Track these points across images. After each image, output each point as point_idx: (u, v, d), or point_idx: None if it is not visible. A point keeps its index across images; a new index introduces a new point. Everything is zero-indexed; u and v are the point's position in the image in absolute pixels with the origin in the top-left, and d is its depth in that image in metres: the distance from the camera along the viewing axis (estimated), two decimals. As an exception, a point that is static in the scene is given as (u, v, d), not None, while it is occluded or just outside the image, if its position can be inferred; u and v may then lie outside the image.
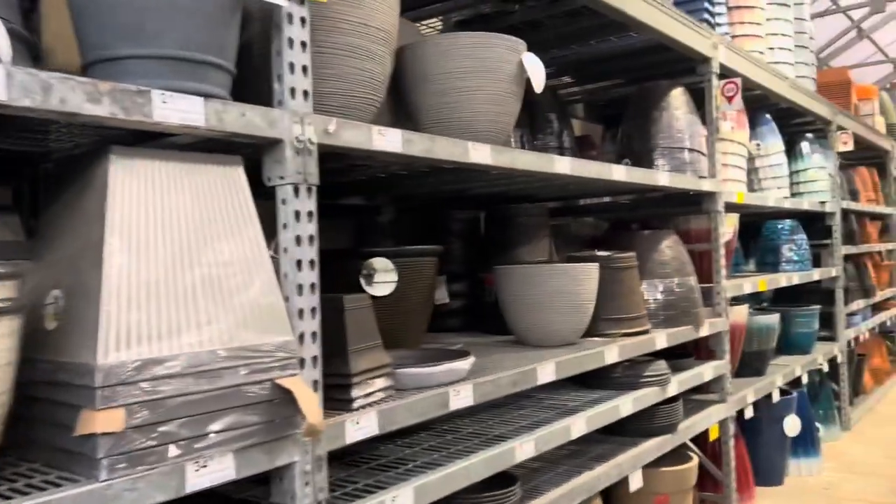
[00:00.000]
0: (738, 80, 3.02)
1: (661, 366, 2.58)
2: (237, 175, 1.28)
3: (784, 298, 4.89)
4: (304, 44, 1.32)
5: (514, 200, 2.97)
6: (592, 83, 3.74)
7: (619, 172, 2.35)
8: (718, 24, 3.34)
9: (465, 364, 1.69)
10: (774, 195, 3.76)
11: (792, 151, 4.45)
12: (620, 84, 3.68)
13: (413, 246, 2.11)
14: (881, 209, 6.09)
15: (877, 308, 6.07)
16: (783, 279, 3.77)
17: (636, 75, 3.45)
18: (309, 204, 1.31)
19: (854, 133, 5.24)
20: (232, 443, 1.17)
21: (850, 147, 4.78)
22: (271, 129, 1.26)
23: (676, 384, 2.63)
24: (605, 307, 2.49)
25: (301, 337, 1.30)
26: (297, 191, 1.30)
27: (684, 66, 3.12)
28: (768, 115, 3.89)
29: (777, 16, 3.98)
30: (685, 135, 2.90)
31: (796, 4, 4.49)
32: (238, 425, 1.18)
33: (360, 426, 1.40)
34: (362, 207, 3.00)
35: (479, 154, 1.73)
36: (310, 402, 1.21)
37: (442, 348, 1.97)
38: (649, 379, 2.51)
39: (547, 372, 1.94)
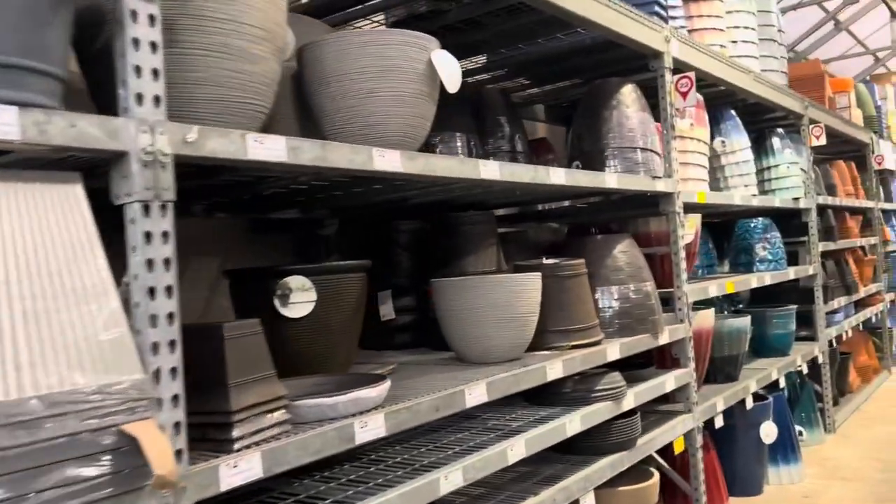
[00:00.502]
0: (692, 75, 2.89)
1: (616, 378, 2.43)
2: (75, 194, 1.13)
3: (761, 299, 4.76)
4: (153, 44, 1.18)
5: (464, 208, 2.83)
6: (550, 84, 3.61)
7: (558, 176, 2.21)
8: (672, 18, 3.21)
9: (372, 392, 1.54)
10: (741, 193, 3.63)
11: (762, 148, 4.32)
12: (579, 84, 3.54)
13: (337, 262, 1.96)
14: (861, 203, 5.96)
15: (860, 304, 5.94)
16: (753, 280, 3.64)
17: (591, 74, 3.31)
18: (163, 223, 1.17)
19: (829, 126, 5.12)
20: (66, 500, 1.02)
21: (822, 141, 4.65)
22: (112, 140, 1.12)
23: (633, 397, 2.48)
24: (553, 318, 2.35)
25: (157, 374, 1.16)
26: (147, 209, 1.15)
27: (640, 63, 2.99)
28: (732, 112, 3.76)
29: (739, 8, 3.85)
30: (637, 134, 2.76)
31: (761, -3, 4.37)
32: (73, 480, 1.03)
33: (238, 470, 1.25)
34: (303, 221, 2.86)
35: (388, 161, 1.59)
36: (158, 450, 1.06)
37: (362, 374, 1.83)
38: (602, 393, 2.37)
39: (477, 394, 1.80)
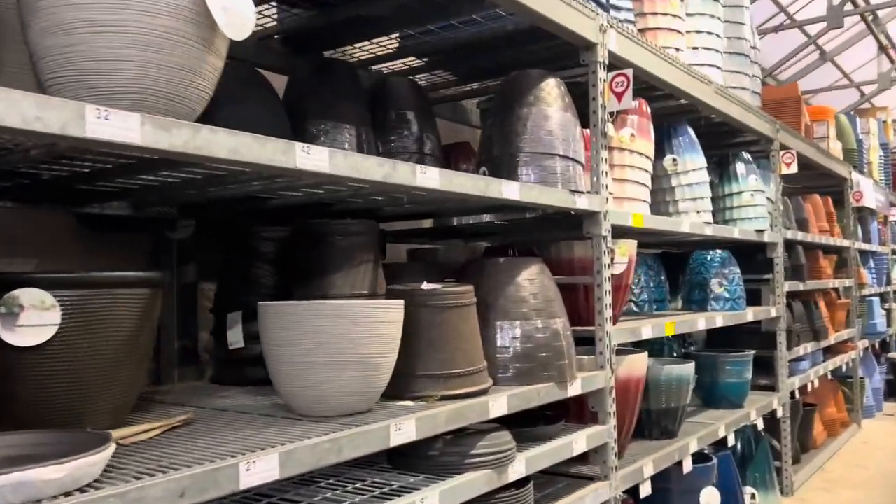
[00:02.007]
0: (629, 72, 2.41)
1: (502, 439, 1.93)
2: None
3: (720, 341, 4.28)
4: None
5: (356, 214, 2.32)
6: (478, 81, 3.13)
7: (430, 179, 1.71)
8: (616, 7, 2.74)
9: (51, 472, 1.02)
10: (692, 220, 3.15)
11: (724, 172, 3.86)
12: (511, 83, 3.07)
13: (99, 273, 1.45)
14: (837, 241, 5.51)
15: (830, 351, 5.48)
16: (701, 320, 3.15)
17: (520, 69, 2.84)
18: None
19: (803, 155, 4.67)
20: None
21: (793, 169, 4.20)
22: None
23: (524, 463, 1.97)
24: (423, 359, 1.85)
25: None
26: None
27: (577, 62, 2.51)
28: (687, 127, 3.29)
29: (702, 10, 3.40)
30: (557, 138, 2.28)
31: (731, 6, 3.93)
32: None
33: None
34: (144, 220, 2.35)
35: (115, 127, 1.09)
36: None
37: (96, 433, 1.31)
38: (480, 458, 1.86)
39: (261, 469, 1.28)
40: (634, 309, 3.56)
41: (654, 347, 3.93)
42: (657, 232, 2.88)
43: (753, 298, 4.19)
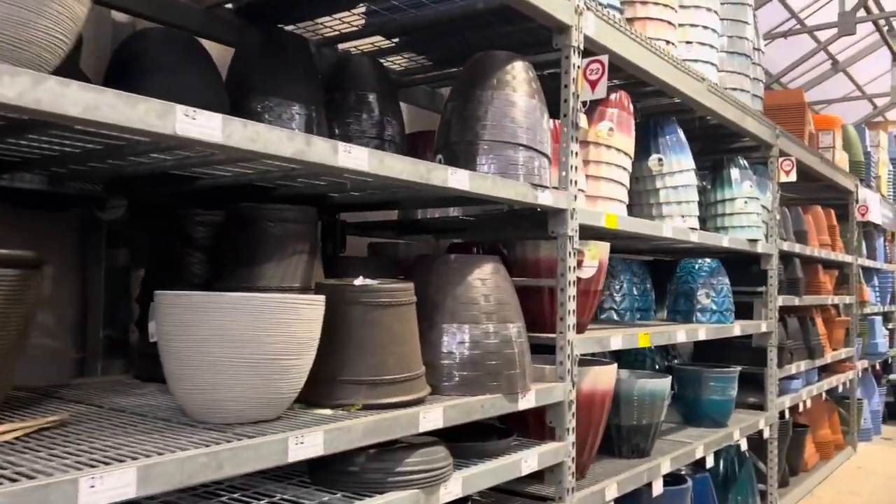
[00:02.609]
0: (604, 58, 2.21)
1: (435, 455, 1.73)
2: None
3: (707, 354, 4.07)
4: None
5: (303, 200, 2.12)
6: (451, 66, 2.94)
7: (356, 160, 1.51)
8: (599, -8, 2.54)
9: None
10: (676, 225, 2.94)
11: (717, 177, 3.65)
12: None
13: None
14: (838, 256, 5.29)
15: (826, 370, 5.25)
16: (681, 333, 2.94)
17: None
18: None
19: (804, 164, 4.45)
20: None
21: (792, 177, 3.98)
22: None
23: (460, 482, 1.78)
24: (349, 363, 1.66)
25: None
26: None
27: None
28: (675, 125, 3.09)
29: (698, 3, 3.19)
30: (521, 126, 2.08)
31: (733, 3, 3.72)
32: None
33: None
34: (83, 198, 2.17)
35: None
36: None
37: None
38: (408, 476, 1.66)
39: (111, 486, 1.09)
40: (615, 317, 3.36)
41: (637, 359, 3.73)
42: (634, 235, 2.67)
43: (745, 312, 3.98)
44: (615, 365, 2.53)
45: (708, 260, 3.57)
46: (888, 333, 6.95)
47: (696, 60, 3.19)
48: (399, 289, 1.73)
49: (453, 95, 2.16)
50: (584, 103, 2.24)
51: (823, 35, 7.11)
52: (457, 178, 1.77)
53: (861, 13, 6.15)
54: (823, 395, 5.04)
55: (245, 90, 2.11)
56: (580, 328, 2.45)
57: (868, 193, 5.93)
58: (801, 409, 4.53)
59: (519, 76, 2.12)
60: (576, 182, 2.24)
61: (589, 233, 2.62)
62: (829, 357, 4.96)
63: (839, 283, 5.62)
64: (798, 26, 7.02)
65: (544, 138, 2.14)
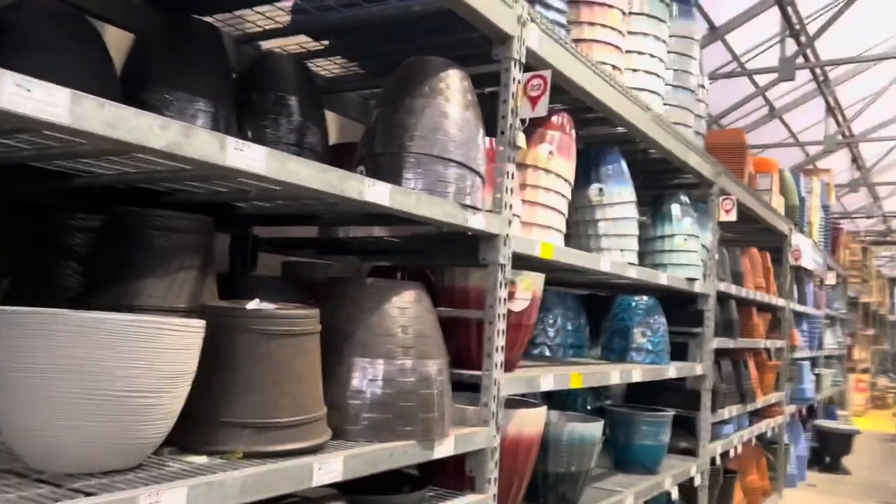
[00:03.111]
0: (546, 74, 2.03)
1: (331, 512, 1.48)
2: None
3: (640, 395, 3.92)
4: None
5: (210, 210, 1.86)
6: (386, 76, 2.72)
7: (249, 160, 1.27)
8: (545, 5, 2.38)
9: None
10: (613, 258, 2.78)
11: (658, 212, 3.53)
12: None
13: None
14: (772, 300, 5.25)
15: (756, 415, 5.18)
16: (615, 374, 2.76)
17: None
18: None
19: (744, 205, 4.40)
20: None
21: (732, 217, 3.90)
22: None
23: (360, 544, 1.53)
24: (232, 401, 1.40)
25: None
26: None
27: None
28: (618, 154, 2.94)
29: (646, 30, 3.08)
30: (454, 141, 1.87)
31: (679, 37, 3.63)
32: None
33: None
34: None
35: None
36: None
37: None
38: (296, 537, 1.41)
39: None
40: (547, 353, 3.17)
41: (568, 397, 3.55)
42: (571, 267, 2.49)
43: (679, 353, 3.85)
44: (545, 408, 2.32)
45: (645, 297, 3.42)
46: (815, 378, 6.99)
47: (641, 89, 3.06)
48: (299, 315, 1.49)
49: (381, 101, 1.94)
50: (523, 121, 2.05)
51: (762, 80, 7.24)
52: (375, 192, 1.54)
53: (800, 60, 6.25)
54: (753, 440, 4.96)
55: (142, 81, 1.85)
56: (509, 365, 2.24)
57: (801, 238, 5.96)
58: (731, 454, 4.42)
59: (454, 85, 1.92)
60: (511, 206, 2.04)
61: (523, 263, 2.43)
62: (760, 402, 4.89)
63: (771, 327, 5.59)
64: (739, 69, 7.11)
65: (478, 156, 1.94)
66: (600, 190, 2.81)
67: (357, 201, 1.52)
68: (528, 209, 2.32)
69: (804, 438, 6.67)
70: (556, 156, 2.36)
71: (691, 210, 3.59)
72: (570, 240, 2.93)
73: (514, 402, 2.47)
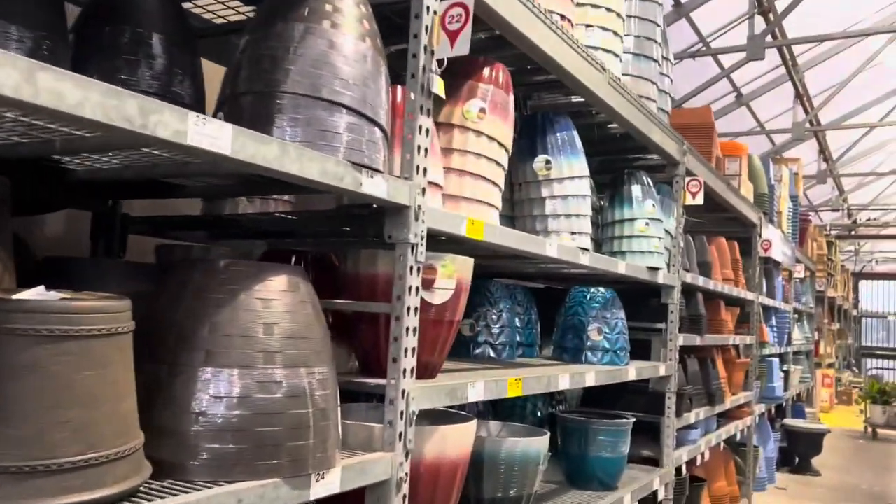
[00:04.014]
0: (469, 3, 1.60)
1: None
2: None
3: (598, 398, 3.54)
4: None
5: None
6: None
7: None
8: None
9: None
10: (563, 243, 2.37)
11: (616, 193, 3.13)
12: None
13: None
14: (741, 293, 4.90)
15: (725, 416, 4.83)
16: (565, 377, 2.35)
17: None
18: None
19: (711, 189, 4.03)
20: None
21: (699, 200, 3.52)
22: None
23: None
24: (-19, 434, 0.95)
25: None
26: None
27: None
28: (568, 121, 2.53)
29: (601, -18, 2.67)
30: (345, 80, 1.43)
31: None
32: None
33: None
34: None
35: None
36: None
37: None
38: None
39: None
40: (491, 353, 2.76)
41: (516, 403, 3.14)
42: (510, 252, 2.07)
43: (642, 351, 3.47)
44: (474, 422, 1.89)
45: (602, 289, 3.02)
46: (783, 376, 6.69)
47: (596, 48, 2.66)
48: (87, 310, 1.04)
49: (250, 28, 1.49)
50: (440, 62, 1.62)
51: (729, 64, 6.89)
52: (208, 134, 1.10)
53: (769, 39, 5.92)
54: (721, 444, 4.60)
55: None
56: (429, 371, 1.81)
57: (771, 229, 5.63)
58: (698, 461, 4.05)
59: (346, 8, 1.48)
60: (425, 171, 1.61)
61: (449, 246, 2.01)
62: (728, 402, 4.53)
63: (739, 322, 5.25)
64: (704, 48, 6.77)
65: (379, 102, 1.50)
66: (547, 162, 2.40)
67: (181, 147, 1.07)
68: (454, 179, 1.89)
69: (773, 439, 6.36)
70: (488, 114, 1.93)
71: (653, 192, 3.19)
72: (513, 222, 2.52)
73: (441, 416, 2.04)
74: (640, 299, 3.55)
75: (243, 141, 1.16)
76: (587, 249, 2.49)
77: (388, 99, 1.55)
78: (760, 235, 5.41)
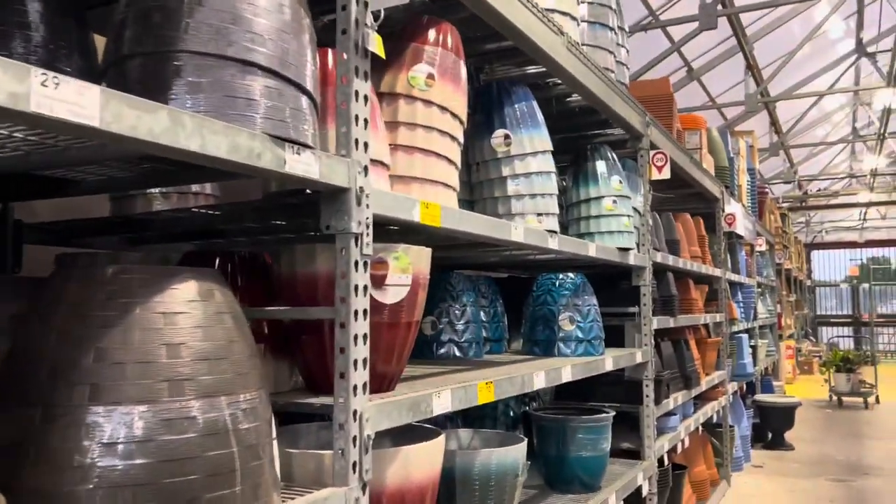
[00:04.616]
0: (407, -62, 1.34)
1: None
2: None
3: (572, 391, 3.32)
4: None
5: None
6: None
7: None
8: None
9: None
10: (530, 226, 2.12)
11: (580, 171, 2.90)
12: None
13: None
14: (708, 270, 4.74)
15: (701, 398, 4.67)
16: (540, 375, 2.10)
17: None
18: None
19: (675, 163, 3.84)
20: None
21: (665, 174, 3.32)
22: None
23: None
24: None
25: None
26: None
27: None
28: (528, 91, 2.28)
29: (553, -65, 2.42)
30: (261, 36, 1.16)
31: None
32: None
33: None
34: None
35: None
36: None
37: None
38: None
39: None
40: (456, 352, 2.51)
41: (488, 405, 2.90)
42: (472, 238, 1.82)
43: (615, 338, 3.26)
44: (441, 438, 1.64)
45: (571, 275, 2.79)
46: (752, 351, 6.58)
47: (553, 10, 2.42)
48: None
49: (136, -18, 1.20)
50: (375, 15, 1.36)
51: (679, 38, 6.74)
52: (59, 99, 0.81)
53: (720, 8, 5.77)
54: (699, 428, 4.43)
55: None
56: (388, 382, 1.55)
57: (733, 203, 5.49)
58: (679, 449, 3.87)
59: (254, -49, 1.20)
60: (366, 146, 1.35)
61: (401, 237, 1.75)
62: (704, 384, 4.37)
63: (708, 300, 5.09)
64: (654, 20, 6.61)
65: (303, 63, 1.23)
66: (506, 137, 2.15)
67: (23, 116, 0.79)
68: (402, 157, 1.63)
69: (746, 416, 6.25)
70: (438, 81, 1.67)
71: (619, 167, 2.97)
72: (472, 207, 2.27)
73: (403, 430, 1.78)
74: (611, 283, 3.34)
75: (117, 109, 0.88)
76: (556, 232, 2.25)
77: (314, 61, 1.28)
78: (724, 210, 5.26)
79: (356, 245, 1.30)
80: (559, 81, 2.69)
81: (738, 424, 5.87)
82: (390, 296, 1.48)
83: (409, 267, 1.51)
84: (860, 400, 9.76)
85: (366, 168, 1.33)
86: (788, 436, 6.89)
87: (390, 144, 1.62)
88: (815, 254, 23.64)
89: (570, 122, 3.26)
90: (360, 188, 1.31)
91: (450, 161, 1.71)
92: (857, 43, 10.06)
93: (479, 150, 2.20)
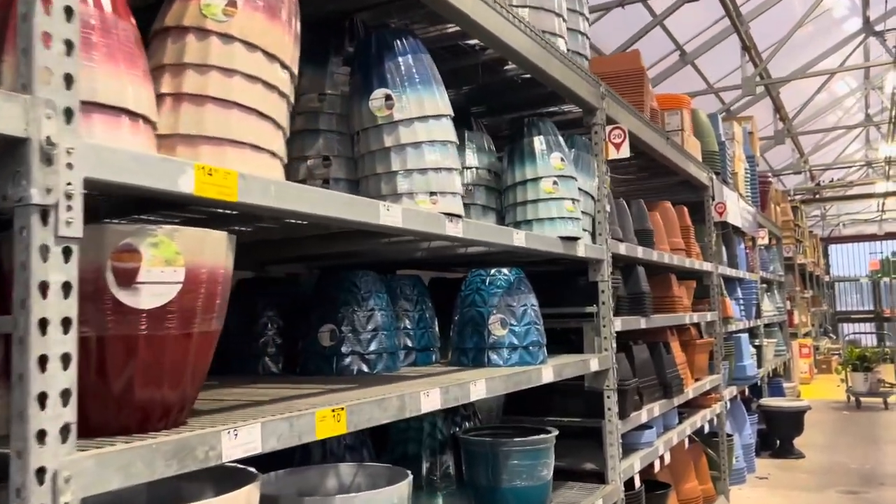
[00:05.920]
0: None
1: None
2: None
3: (526, 404, 2.90)
4: None
5: None
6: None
7: None
8: None
9: None
10: (418, 207, 1.70)
11: (515, 150, 2.48)
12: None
13: None
14: (694, 264, 4.28)
15: (690, 405, 4.20)
16: (430, 396, 1.67)
17: None
18: None
19: (649, 145, 3.40)
20: None
21: (624, 152, 2.87)
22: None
23: None
24: None
25: None
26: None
27: None
28: (416, 40, 1.85)
29: None
30: None
31: None
32: None
33: None
34: None
35: None
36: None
37: None
38: None
39: None
40: (363, 368, 2.09)
41: (411, 425, 2.47)
42: (316, 220, 1.40)
43: (572, 342, 2.83)
44: (246, 490, 1.21)
45: (504, 270, 2.36)
46: (755, 352, 6.09)
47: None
48: None
49: None
50: None
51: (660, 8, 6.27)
52: None
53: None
54: (686, 440, 3.97)
55: None
56: (166, 415, 1.13)
57: (725, 190, 5.02)
58: (657, 466, 3.41)
59: None
60: (71, 79, 0.93)
61: (229, 223, 1.34)
62: (690, 391, 3.91)
63: (698, 297, 4.63)
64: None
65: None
66: (387, 98, 1.73)
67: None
68: (189, 111, 1.21)
69: (749, 423, 5.76)
70: (242, 9, 1.25)
71: (562, 143, 2.54)
72: (356, 187, 1.85)
73: (224, 474, 1.37)
74: (567, 279, 2.91)
75: None
76: (458, 216, 1.82)
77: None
78: (713, 198, 4.80)
79: (44, 223, 0.89)
80: (484, 44, 2.28)
81: (740, 432, 5.39)
82: (146, 298, 1.06)
83: (176, 258, 1.09)
84: (879, 400, 9.20)
85: (68, 112, 0.92)
86: (798, 442, 6.39)
87: (174, 93, 1.21)
88: (832, 248, 22.95)
89: (514, 98, 2.85)
90: (48, 139, 0.89)
91: (266, 118, 1.29)
92: (864, 21, 9.53)
93: (357, 116, 1.78)
